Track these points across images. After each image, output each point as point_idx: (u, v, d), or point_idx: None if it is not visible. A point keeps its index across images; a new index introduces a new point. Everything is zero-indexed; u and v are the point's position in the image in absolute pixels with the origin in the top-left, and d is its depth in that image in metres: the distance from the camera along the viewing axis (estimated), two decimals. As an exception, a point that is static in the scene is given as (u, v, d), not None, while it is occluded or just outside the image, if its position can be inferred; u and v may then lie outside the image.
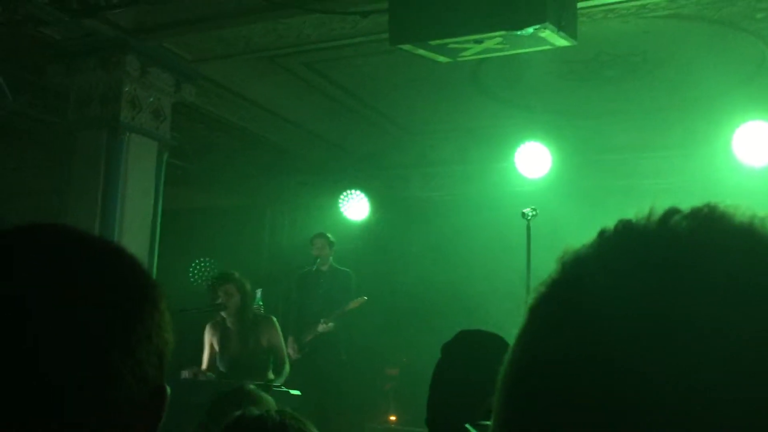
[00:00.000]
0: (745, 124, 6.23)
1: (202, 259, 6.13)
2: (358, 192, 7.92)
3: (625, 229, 0.49)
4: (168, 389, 0.84)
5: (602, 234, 0.49)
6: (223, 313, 5.31)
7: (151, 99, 5.72)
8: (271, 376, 5.29)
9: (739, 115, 6.21)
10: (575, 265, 0.49)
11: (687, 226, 0.47)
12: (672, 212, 0.48)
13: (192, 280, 5.53)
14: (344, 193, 7.92)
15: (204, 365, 5.33)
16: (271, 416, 1.38)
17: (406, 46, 3.96)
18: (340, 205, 7.91)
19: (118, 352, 0.77)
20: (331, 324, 6.56)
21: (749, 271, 0.44)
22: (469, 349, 2.04)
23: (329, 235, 6.88)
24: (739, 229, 0.46)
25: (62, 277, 0.79)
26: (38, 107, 6.43)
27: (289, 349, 6.43)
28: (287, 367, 5.38)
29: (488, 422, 0.51)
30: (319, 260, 6.81)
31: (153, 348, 0.81)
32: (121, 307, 0.80)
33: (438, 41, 3.86)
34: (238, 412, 1.42)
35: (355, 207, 7.92)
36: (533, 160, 6.93)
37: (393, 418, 7.40)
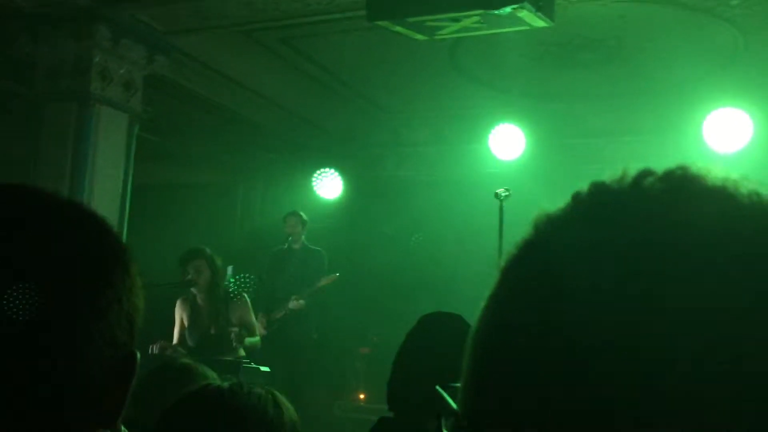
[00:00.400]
0: (716, 111, 6.30)
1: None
2: (331, 170, 7.89)
3: (598, 190, 0.48)
4: (138, 354, 0.83)
5: (575, 196, 0.49)
6: (193, 289, 5.28)
7: (122, 71, 5.62)
8: (241, 352, 5.28)
9: (712, 101, 6.28)
10: (547, 227, 0.48)
11: (660, 188, 0.46)
12: (645, 174, 0.48)
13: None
14: (318, 172, 7.88)
15: (174, 340, 5.30)
16: (243, 387, 1.36)
17: (384, 23, 3.94)
18: (314, 183, 7.88)
19: (88, 315, 0.76)
20: (302, 301, 6.56)
21: (722, 236, 0.43)
22: (430, 332, 2.06)
23: (302, 214, 6.86)
24: (712, 190, 0.46)
25: (31, 237, 0.77)
26: (5, 78, 6.29)
27: (259, 326, 6.42)
28: (258, 341, 5.40)
29: (458, 384, 0.50)
30: (291, 238, 6.79)
31: (123, 312, 0.80)
32: (91, 268, 0.79)
33: (415, 18, 3.84)
34: (193, 388, 1.39)
35: (328, 185, 7.89)
36: (507, 142, 6.96)
37: (362, 396, 7.44)
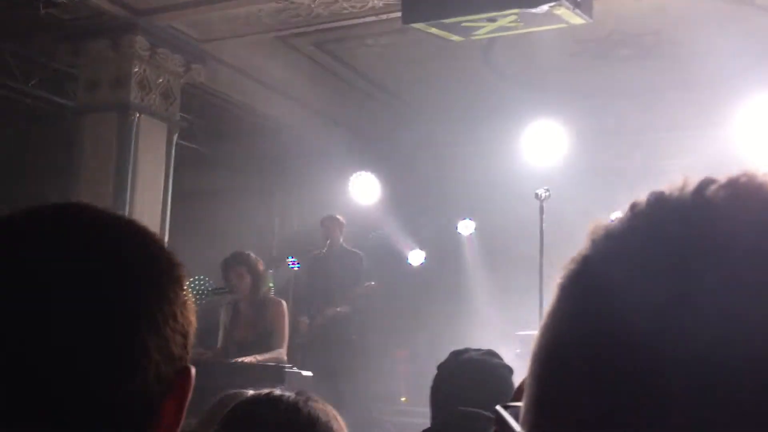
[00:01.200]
0: (759, 103, 6.16)
1: (199, 279, 6.13)
2: (367, 173, 7.89)
3: (658, 201, 0.46)
4: (193, 370, 0.84)
5: (634, 207, 0.47)
6: (234, 296, 5.31)
7: (161, 80, 5.70)
8: (283, 357, 5.29)
9: (755, 93, 6.15)
10: (606, 241, 0.47)
11: (724, 196, 0.44)
12: (707, 182, 0.46)
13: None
14: (354, 174, 7.89)
15: (219, 345, 5.36)
16: (293, 395, 1.36)
17: (419, 25, 3.92)
18: (350, 186, 7.89)
19: (147, 330, 0.77)
20: (345, 308, 6.57)
21: None
22: (460, 371, 2.17)
23: (339, 217, 6.86)
24: None
25: (90, 256, 0.78)
26: (46, 89, 6.42)
27: (300, 330, 6.44)
28: (283, 353, 5.27)
29: (519, 403, 0.50)
30: (329, 242, 6.81)
31: (178, 327, 0.81)
32: (147, 284, 0.80)
33: (451, 19, 3.82)
34: (251, 393, 1.40)
35: (364, 188, 7.90)
36: (544, 140, 6.88)
37: (403, 398, 7.43)
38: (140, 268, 0.80)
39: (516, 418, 0.49)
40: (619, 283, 0.44)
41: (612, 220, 0.48)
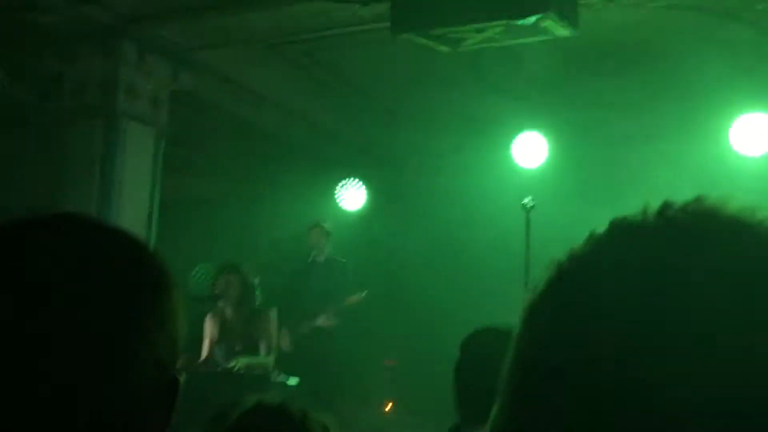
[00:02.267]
0: (743, 115, 6.23)
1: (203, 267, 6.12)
2: (355, 181, 7.90)
3: (618, 228, 0.50)
4: (180, 377, 0.85)
5: (593, 235, 0.50)
6: (220, 303, 5.29)
7: (149, 86, 5.69)
8: (270, 368, 5.28)
9: (737, 106, 6.22)
10: (571, 265, 0.49)
11: (681, 221, 0.48)
12: (665, 208, 0.49)
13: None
14: (342, 183, 7.90)
15: (204, 355, 5.32)
16: (291, 406, 1.37)
17: (408, 35, 3.95)
18: (337, 194, 7.89)
19: (136, 338, 0.78)
20: (333, 321, 6.55)
21: (741, 265, 0.46)
22: (487, 347, 2.13)
23: (326, 225, 6.86)
24: (727, 222, 0.48)
25: (80, 265, 0.79)
26: (33, 94, 6.38)
27: (284, 339, 6.42)
28: (272, 360, 5.30)
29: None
30: (315, 251, 6.80)
31: (167, 335, 0.82)
32: (137, 293, 0.81)
33: (439, 30, 3.85)
34: (254, 400, 1.42)
35: (352, 196, 7.90)
36: (530, 150, 6.92)
37: (388, 407, 7.42)
38: (130, 276, 0.81)
39: None
40: (583, 309, 0.46)
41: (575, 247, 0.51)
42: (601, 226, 0.51)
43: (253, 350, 5.24)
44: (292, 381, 5.05)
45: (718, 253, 0.46)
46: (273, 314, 5.43)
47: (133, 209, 5.50)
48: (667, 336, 0.43)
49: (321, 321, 6.53)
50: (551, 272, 0.50)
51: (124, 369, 0.76)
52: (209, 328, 5.35)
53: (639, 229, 0.49)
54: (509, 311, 0.54)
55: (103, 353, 0.76)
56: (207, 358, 5.30)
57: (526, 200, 5.11)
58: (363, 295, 6.68)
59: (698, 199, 0.49)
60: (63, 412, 0.74)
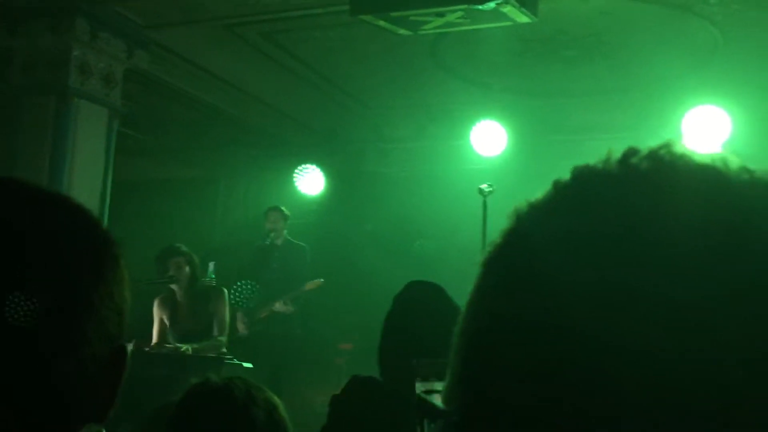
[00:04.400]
0: (695, 108, 6.35)
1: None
2: (313, 166, 7.86)
3: (582, 174, 0.46)
4: (128, 348, 0.83)
5: (557, 182, 0.47)
6: (173, 286, 5.25)
7: (102, 65, 5.56)
8: (224, 349, 5.25)
9: (691, 98, 6.34)
10: (529, 215, 0.46)
11: (646, 167, 0.44)
12: (630, 154, 0.46)
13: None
14: (299, 167, 7.85)
15: (154, 339, 5.26)
16: (237, 385, 1.36)
17: (367, 17, 3.92)
18: (295, 179, 7.85)
19: (83, 311, 0.75)
20: (290, 307, 6.52)
21: (708, 222, 0.41)
22: (418, 299, 2.17)
23: (284, 209, 6.83)
24: (701, 167, 0.44)
25: (22, 233, 0.76)
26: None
27: (239, 323, 6.38)
28: (225, 340, 5.30)
29: (438, 383, 0.50)
30: (273, 234, 6.76)
31: (114, 305, 0.80)
32: (84, 263, 0.78)
33: (399, 13, 3.83)
34: (198, 380, 1.40)
35: (309, 181, 7.87)
36: (489, 138, 6.97)
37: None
38: (74, 247, 0.78)
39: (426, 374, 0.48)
40: (540, 263, 0.43)
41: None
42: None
43: (208, 329, 5.21)
44: (246, 365, 5.02)
45: (682, 204, 0.42)
46: (224, 293, 5.40)
47: (84, 190, 5.38)
48: (624, 293, 0.40)
49: (278, 306, 6.50)
50: (509, 222, 0.47)
51: (69, 344, 0.74)
52: (158, 312, 5.29)
53: (599, 177, 0.45)
54: (465, 295, 0.51)
55: (48, 328, 0.73)
56: (158, 341, 5.24)
57: (483, 186, 5.15)
58: (321, 281, 6.67)
59: (666, 145, 0.45)
60: (7, 392, 0.71)
